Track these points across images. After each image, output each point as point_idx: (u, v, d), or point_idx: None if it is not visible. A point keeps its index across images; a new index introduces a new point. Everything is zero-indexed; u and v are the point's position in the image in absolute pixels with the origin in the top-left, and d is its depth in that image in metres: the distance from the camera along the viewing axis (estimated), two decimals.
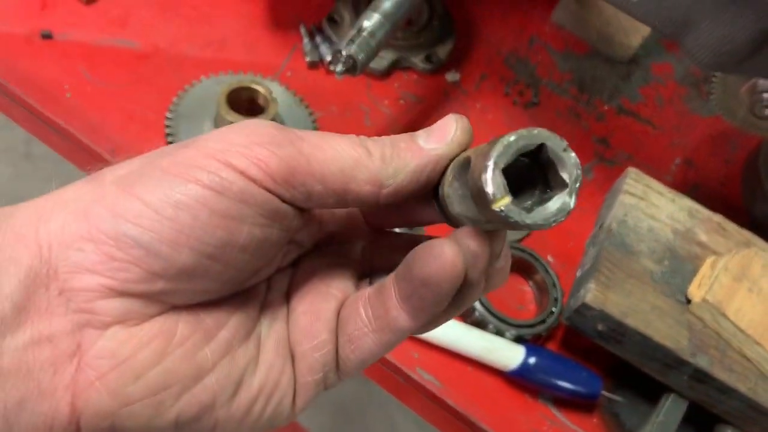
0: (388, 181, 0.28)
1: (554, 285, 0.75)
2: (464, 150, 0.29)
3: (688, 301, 0.69)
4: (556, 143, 0.25)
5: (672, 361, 0.66)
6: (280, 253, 0.31)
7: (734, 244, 0.73)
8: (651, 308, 0.67)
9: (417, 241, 0.31)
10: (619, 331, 0.66)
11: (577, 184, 0.25)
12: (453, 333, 0.70)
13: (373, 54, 0.65)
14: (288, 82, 0.84)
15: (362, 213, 0.34)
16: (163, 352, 0.26)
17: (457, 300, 0.29)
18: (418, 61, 0.90)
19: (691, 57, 0.64)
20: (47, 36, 0.78)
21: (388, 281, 0.29)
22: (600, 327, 0.67)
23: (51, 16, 0.81)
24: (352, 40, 0.64)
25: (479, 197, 0.25)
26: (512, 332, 0.71)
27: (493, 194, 0.24)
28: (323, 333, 0.30)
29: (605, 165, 0.91)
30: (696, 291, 0.68)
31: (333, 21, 0.88)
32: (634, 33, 0.99)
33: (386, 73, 0.89)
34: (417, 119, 0.87)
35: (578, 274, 0.75)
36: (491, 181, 0.24)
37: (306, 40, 0.88)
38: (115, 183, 0.27)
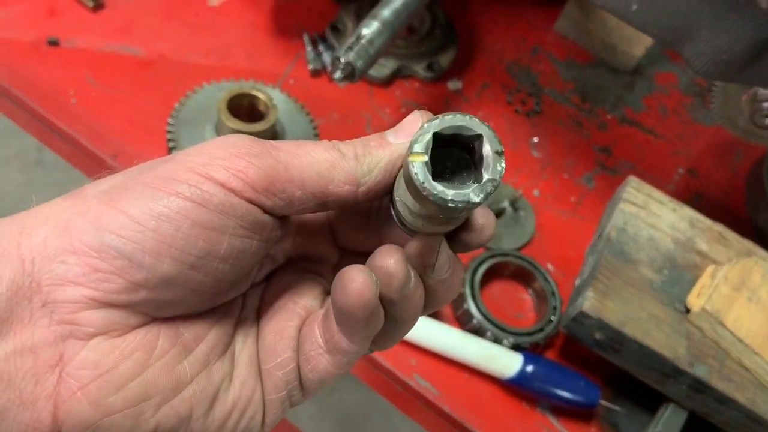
0: (363, 178, 0.29)
1: (553, 293, 0.75)
2: None
3: (687, 311, 0.68)
4: (492, 142, 0.26)
5: (670, 370, 0.65)
6: (257, 267, 0.31)
7: (735, 254, 0.73)
8: (649, 317, 0.67)
9: None
10: (616, 339, 0.66)
11: (489, 187, 0.26)
12: (450, 340, 0.70)
13: (371, 61, 0.66)
14: (290, 89, 0.84)
15: (335, 233, 0.35)
16: (144, 363, 0.27)
17: (393, 320, 0.30)
18: (419, 69, 0.90)
19: (690, 66, 0.64)
20: (54, 43, 0.80)
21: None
22: (598, 336, 0.66)
23: (58, 23, 0.82)
24: (350, 47, 0.64)
25: (405, 168, 0.26)
26: (510, 340, 0.71)
27: (415, 152, 0.25)
28: (287, 351, 0.30)
29: (607, 174, 0.91)
30: (695, 300, 0.68)
31: (336, 29, 0.89)
32: (638, 43, 0.99)
33: (388, 81, 0.89)
34: None
35: (577, 282, 0.74)
36: (417, 142, 0.25)
37: (309, 48, 0.88)
38: (96, 197, 0.27)
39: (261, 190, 0.27)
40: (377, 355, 0.70)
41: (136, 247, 0.26)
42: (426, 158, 0.25)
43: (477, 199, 0.25)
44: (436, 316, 0.74)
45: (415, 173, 0.25)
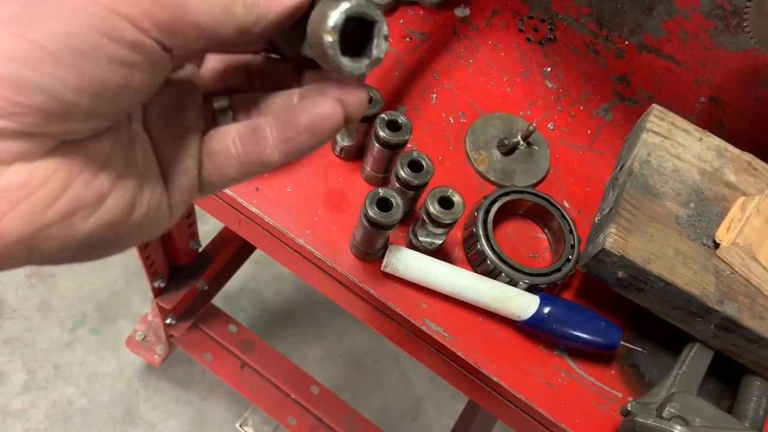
0: (252, 28, 0.31)
1: (571, 231, 0.71)
2: None
3: (716, 246, 0.64)
4: (379, 25, 0.32)
5: (697, 309, 0.62)
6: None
7: (766, 185, 0.68)
8: (675, 253, 0.63)
9: (240, 62, 0.37)
10: (640, 278, 0.62)
11: (372, 55, 0.33)
12: (463, 282, 0.66)
13: None
14: None
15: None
16: (67, 180, 0.28)
17: None
18: None
19: None
20: None
21: (264, 124, 0.34)
22: (620, 274, 0.63)
23: None
24: None
25: (316, 36, 0.32)
26: (526, 281, 0.67)
27: (329, 30, 0.31)
28: (188, 160, 0.34)
29: (625, 104, 0.86)
30: (724, 234, 0.63)
31: None
32: None
33: (391, 9, 0.83)
34: (423, 57, 0.81)
35: (597, 219, 0.70)
36: (331, 19, 0.31)
37: None
38: (1, 26, 0.26)
39: (164, 30, 0.28)
40: (387, 300, 0.66)
41: (57, 83, 0.26)
42: (337, 36, 0.31)
43: (365, 71, 0.33)
44: (447, 257, 0.70)
45: (329, 48, 0.31)
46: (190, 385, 1.68)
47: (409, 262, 0.65)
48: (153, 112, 0.34)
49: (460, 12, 0.86)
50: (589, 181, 0.79)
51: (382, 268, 0.66)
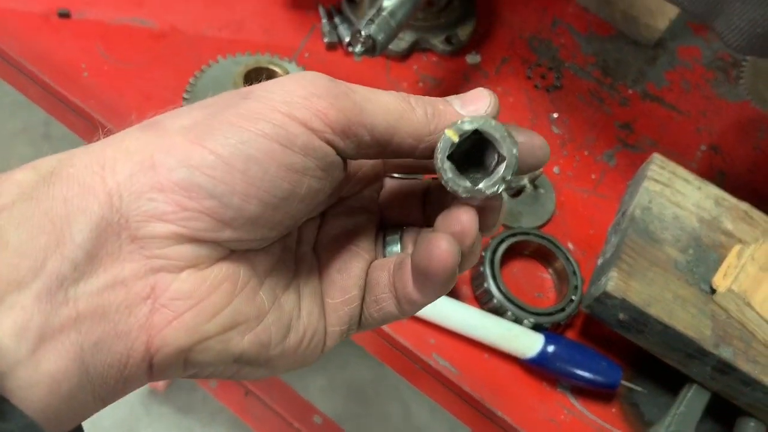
0: (427, 137, 0.30)
1: (574, 273, 0.74)
2: None
3: (713, 291, 0.67)
4: (506, 144, 0.29)
5: (695, 351, 0.64)
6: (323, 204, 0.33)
7: (761, 233, 0.71)
8: (674, 297, 0.66)
9: (416, 189, 0.35)
10: (640, 320, 0.65)
11: (504, 176, 0.30)
12: (470, 319, 0.69)
13: (393, 34, 0.64)
14: (306, 63, 0.82)
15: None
16: (231, 293, 0.28)
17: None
18: (437, 42, 0.88)
19: (723, 40, 0.61)
20: (65, 15, 0.78)
21: (407, 259, 0.32)
22: (621, 316, 0.65)
23: None
24: (371, 20, 0.63)
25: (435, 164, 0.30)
26: (531, 320, 0.70)
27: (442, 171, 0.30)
28: (353, 290, 0.33)
29: (628, 151, 0.89)
30: (721, 280, 0.66)
31: (352, 1, 0.87)
32: (661, 15, 0.97)
33: (405, 55, 0.87)
34: None
35: (599, 262, 0.73)
36: (442, 166, 0.30)
37: (324, 20, 0.86)
38: (181, 134, 0.27)
39: (338, 132, 0.28)
40: (396, 334, 0.69)
41: (226, 188, 0.26)
42: (449, 167, 0.29)
43: (490, 193, 0.30)
44: (455, 295, 0.73)
45: (444, 175, 0.29)
46: (191, 413, 1.69)
47: None
48: (326, 237, 0.34)
49: (471, 59, 0.91)
50: (592, 224, 0.82)
51: None
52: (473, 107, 0.31)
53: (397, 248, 0.35)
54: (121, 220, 0.26)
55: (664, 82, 0.98)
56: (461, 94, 0.32)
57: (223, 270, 0.28)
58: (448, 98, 0.31)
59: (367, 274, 0.34)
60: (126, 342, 0.26)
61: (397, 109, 0.29)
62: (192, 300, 0.27)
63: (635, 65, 0.98)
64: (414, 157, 0.31)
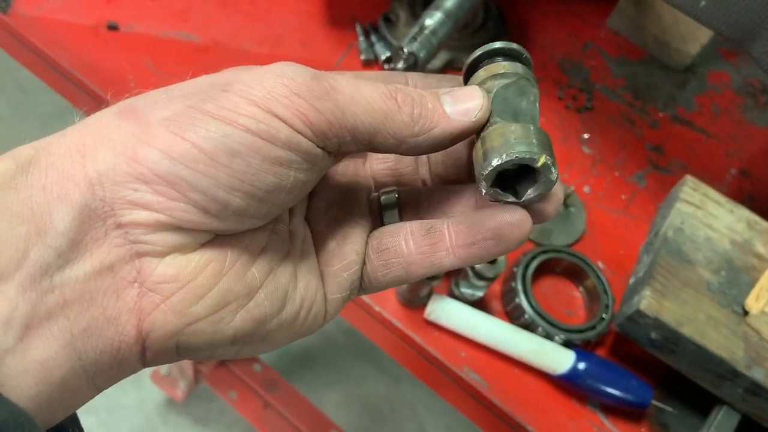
0: (410, 139, 0.30)
1: (605, 291, 0.74)
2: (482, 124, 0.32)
3: (745, 313, 0.67)
4: (547, 171, 0.30)
5: (726, 372, 0.65)
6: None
7: None
8: (707, 318, 0.66)
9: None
10: (673, 340, 0.65)
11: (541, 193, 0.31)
12: (502, 334, 0.69)
13: (434, 52, 0.66)
14: None
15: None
16: (219, 273, 0.28)
17: None
18: None
19: (759, 64, 0.62)
20: (113, 27, 0.80)
21: (441, 225, 0.32)
22: (653, 335, 0.66)
23: (117, 9, 0.83)
24: (414, 38, 0.64)
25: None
26: (561, 336, 0.70)
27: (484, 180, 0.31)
28: (351, 255, 0.33)
29: (658, 173, 0.90)
30: (754, 303, 0.67)
31: (389, 20, 0.89)
32: (692, 40, 0.98)
33: (439, 73, 0.89)
34: None
35: (631, 281, 0.74)
36: (485, 177, 0.30)
37: (361, 38, 0.88)
38: (162, 125, 0.27)
39: (318, 134, 0.28)
40: (428, 345, 0.70)
41: (211, 181, 0.26)
42: (490, 184, 0.30)
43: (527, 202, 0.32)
44: (486, 309, 0.74)
45: (486, 195, 0.31)
46: (208, 423, 1.70)
47: (452, 312, 0.69)
48: (319, 207, 0.34)
49: None
50: (622, 244, 0.83)
51: (425, 316, 0.70)
52: (463, 106, 0.31)
53: (395, 213, 0.35)
54: (105, 207, 0.26)
55: (694, 106, 0.99)
56: (453, 90, 0.32)
57: (208, 252, 0.28)
58: (440, 91, 0.32)
59: (370, 240, 0.34)
60: (116, 327, 0.26)
61: (381, 109, 0.29)
62: (178, 283, 0.27)
63: (665, 89, 0.99)
64: (397, 153, 0.31)
